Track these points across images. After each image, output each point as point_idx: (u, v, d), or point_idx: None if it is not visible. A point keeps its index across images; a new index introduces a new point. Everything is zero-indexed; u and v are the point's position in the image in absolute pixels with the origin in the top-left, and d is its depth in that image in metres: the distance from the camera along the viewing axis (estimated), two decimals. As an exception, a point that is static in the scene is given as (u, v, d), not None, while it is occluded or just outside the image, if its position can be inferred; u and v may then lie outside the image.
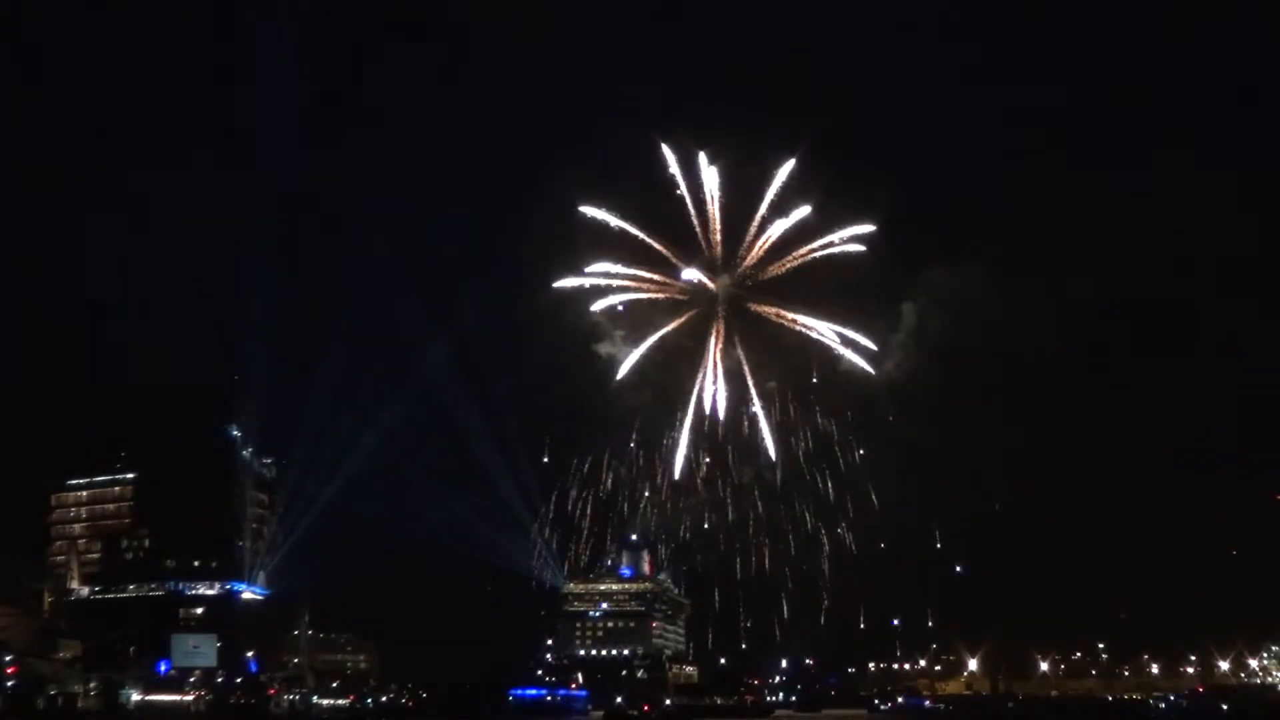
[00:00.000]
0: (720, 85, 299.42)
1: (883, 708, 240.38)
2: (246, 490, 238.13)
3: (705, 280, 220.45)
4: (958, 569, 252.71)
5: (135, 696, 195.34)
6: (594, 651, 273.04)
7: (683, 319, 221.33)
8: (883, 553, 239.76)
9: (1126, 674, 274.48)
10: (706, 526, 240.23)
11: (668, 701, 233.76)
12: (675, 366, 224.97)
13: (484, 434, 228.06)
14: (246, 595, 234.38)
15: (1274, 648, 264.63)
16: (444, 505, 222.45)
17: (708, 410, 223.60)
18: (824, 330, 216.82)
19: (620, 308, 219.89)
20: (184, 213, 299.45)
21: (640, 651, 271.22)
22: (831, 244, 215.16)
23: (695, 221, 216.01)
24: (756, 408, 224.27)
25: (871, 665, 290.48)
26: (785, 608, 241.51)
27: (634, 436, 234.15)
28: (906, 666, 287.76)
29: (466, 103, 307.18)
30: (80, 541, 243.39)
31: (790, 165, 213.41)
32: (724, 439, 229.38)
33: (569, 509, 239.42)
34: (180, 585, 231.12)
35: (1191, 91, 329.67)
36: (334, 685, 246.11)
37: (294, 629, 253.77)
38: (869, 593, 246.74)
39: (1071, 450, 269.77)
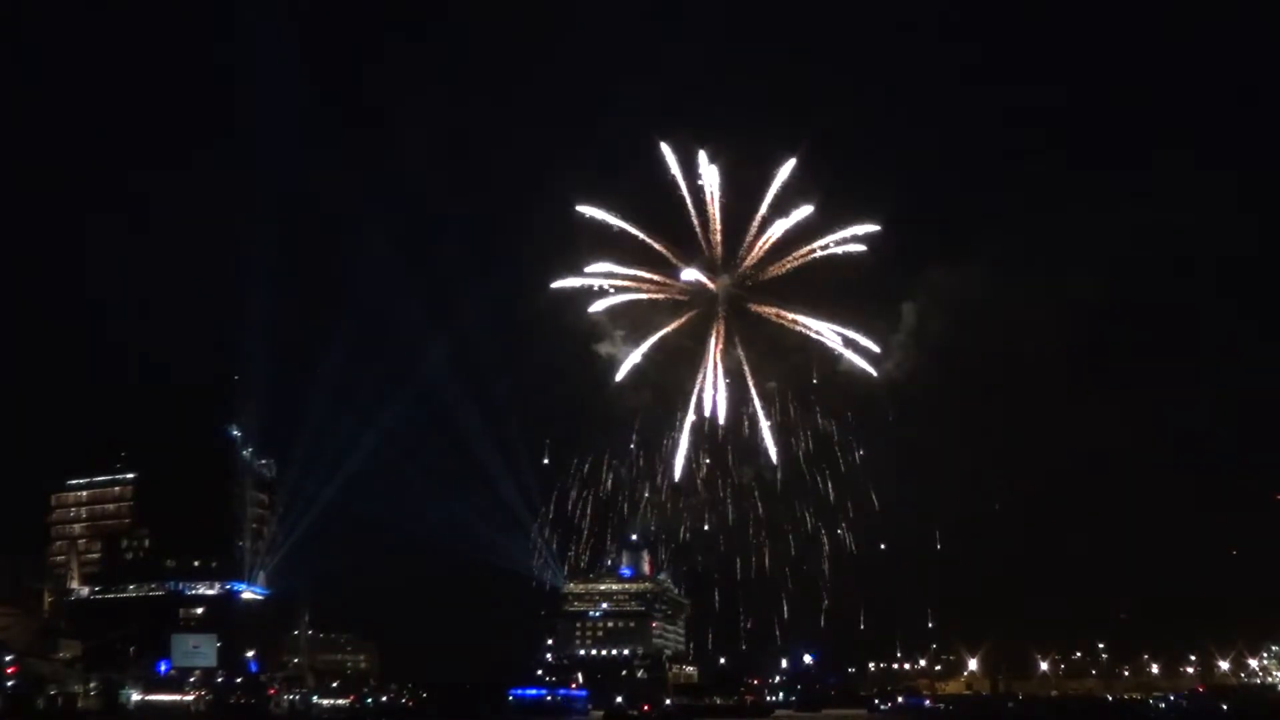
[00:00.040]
0: (720, 85, 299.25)
1: (883, 708, 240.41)
2: (246, 490, 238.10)
3: (705, 280, 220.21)
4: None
5: (135, 696, 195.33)
6: (594, 651, 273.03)
7: (683, 319, 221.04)
8: (883, 553, 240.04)
9: (1126, 674, 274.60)
10: (706, 527, 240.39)
11: (668, 701, 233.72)
12: (675, 367, 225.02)
13: (484, 434, 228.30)
14: (246, 595, 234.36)
15: (1274, 648, 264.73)
16: (444, 505, 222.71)
17: (708, 411, 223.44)
18: (824, 330, 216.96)
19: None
20: (184, 213, 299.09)
21: (640, 651, 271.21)
22: (831, 244, 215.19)
23: (695, 221, 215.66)
24: (757, 408, 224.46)
25: (871, 665, 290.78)
26: (785, 608, 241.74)
27: (634, 437, 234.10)
28: (906, 666, 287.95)
29: (466, 103, 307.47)
30: (80, 541, 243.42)
31: (790, 165, 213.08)
32: (724, 439, 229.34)
33: (569, 509, 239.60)
34: (180, 585, 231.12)
35: (1191, 91, 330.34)
36: (334, 685, 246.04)
37: (294, 629, 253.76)
38: (869, 593, 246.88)
39: (1071, 450, 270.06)
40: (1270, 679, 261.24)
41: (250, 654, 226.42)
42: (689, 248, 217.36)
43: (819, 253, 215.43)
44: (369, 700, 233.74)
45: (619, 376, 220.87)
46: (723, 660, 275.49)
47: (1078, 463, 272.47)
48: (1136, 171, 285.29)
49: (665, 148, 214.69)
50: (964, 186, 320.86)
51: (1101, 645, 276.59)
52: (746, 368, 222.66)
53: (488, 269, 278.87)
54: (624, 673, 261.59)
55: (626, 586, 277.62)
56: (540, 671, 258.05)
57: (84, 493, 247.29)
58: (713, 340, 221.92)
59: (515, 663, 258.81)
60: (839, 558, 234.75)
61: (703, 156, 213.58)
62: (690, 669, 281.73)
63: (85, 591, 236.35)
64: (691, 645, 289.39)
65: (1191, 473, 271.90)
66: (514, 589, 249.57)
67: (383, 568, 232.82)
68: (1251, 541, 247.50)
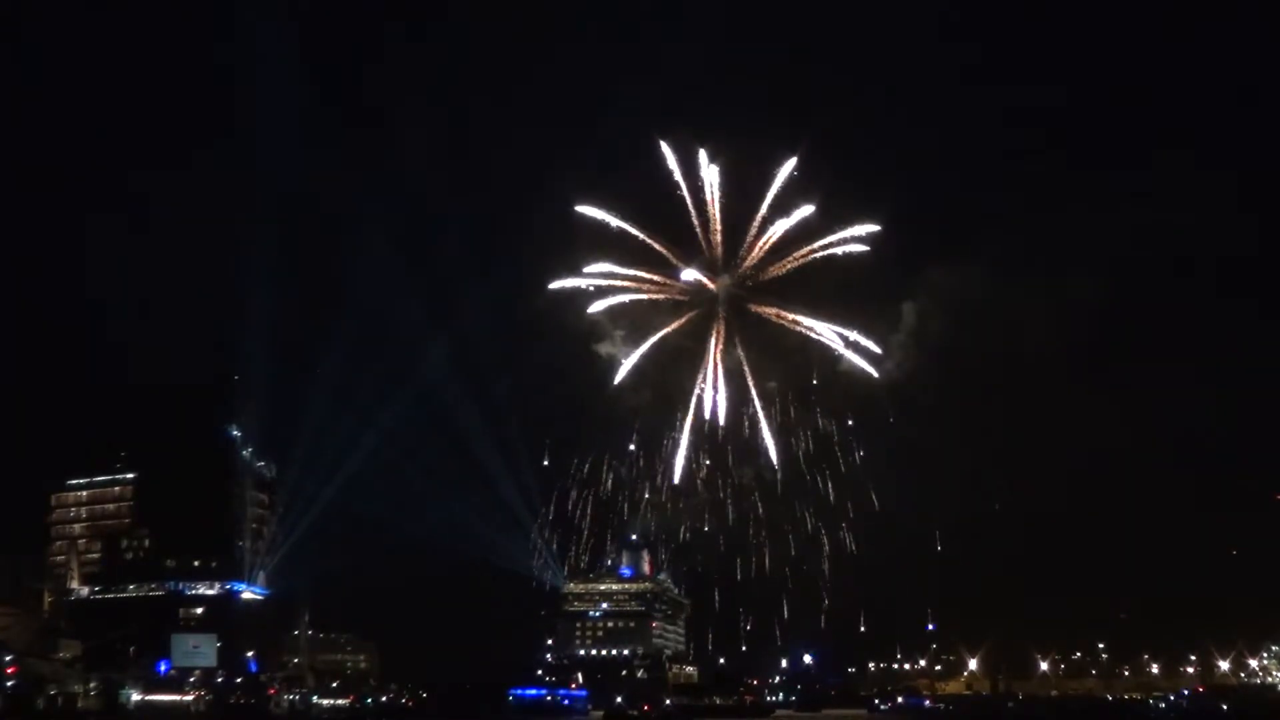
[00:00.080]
0: (720, 85, 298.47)
1: (883, 708, 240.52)
2: (246, 490, 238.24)
3: (705, 280, 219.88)
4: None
5: (135, 696, 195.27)
6: (594, 651, 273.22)
7: (683, 319, 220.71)
8: (883, 553, 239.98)
9: (1126, 674, 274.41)
10: (706, 527, 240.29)
11: (668, 701, 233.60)
12: (675, 367, 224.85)
13: (484, 434, 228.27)
14: (246, 595, 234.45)
15: (1274, 648, 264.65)
16: (444, 505, 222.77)
17: (708, 411, 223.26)
18: (824, 331, 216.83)
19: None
20: (184, 213, 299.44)
21: (640, 651, 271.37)
22: (832, 244, 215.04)
23: (695, 221, 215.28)
24: (757, 408, 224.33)
25: (871, 665, 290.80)
26: (785, 608, 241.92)
27: (634, 437, 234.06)
28: (906, 666, 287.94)
29: (466, 103, 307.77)
30: (80, 541, 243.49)
31: (791, 165, 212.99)
32: (724, 440, 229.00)
33: (569, 509, 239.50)
34: (180, 585, 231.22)
35: (1191, 91, 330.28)
36: (334, 685, 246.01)
37: (294, 629, 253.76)
38: (869, 593, 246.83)
39: (1071, 450, 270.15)
40: (1270, 679, 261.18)
41: (250, 654, 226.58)
42: (689, 248, 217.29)
43: (819, 253, 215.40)
44: (369, 700, 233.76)
45: (619, 377, 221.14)
46: (723, 660, 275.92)
47: (1078, 463, 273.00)
48: (1136, 171, 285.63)
49: (665, 147, 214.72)
50: (964, 186, 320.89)
51: (1101, 645, 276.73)
52: (746, 368, 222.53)
53: (487, 269, 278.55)
54: (624, 673, 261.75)
55: (626, 586, 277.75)
56: (540, 671, 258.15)
57: (84, 493, 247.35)
58: (713, 340, 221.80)
59: (515, 663, 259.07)
60: (839, 558, 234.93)
61: (703, 156, 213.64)
62: (690, 669, 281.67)
63: (85, 591, 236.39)
64: (691, 645, 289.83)
65: (1191, 473, 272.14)
66: (514, 589, 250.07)
67: (383, 568, 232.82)
68: (1251, 541, 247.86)
